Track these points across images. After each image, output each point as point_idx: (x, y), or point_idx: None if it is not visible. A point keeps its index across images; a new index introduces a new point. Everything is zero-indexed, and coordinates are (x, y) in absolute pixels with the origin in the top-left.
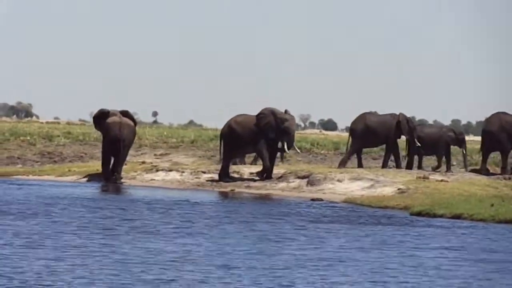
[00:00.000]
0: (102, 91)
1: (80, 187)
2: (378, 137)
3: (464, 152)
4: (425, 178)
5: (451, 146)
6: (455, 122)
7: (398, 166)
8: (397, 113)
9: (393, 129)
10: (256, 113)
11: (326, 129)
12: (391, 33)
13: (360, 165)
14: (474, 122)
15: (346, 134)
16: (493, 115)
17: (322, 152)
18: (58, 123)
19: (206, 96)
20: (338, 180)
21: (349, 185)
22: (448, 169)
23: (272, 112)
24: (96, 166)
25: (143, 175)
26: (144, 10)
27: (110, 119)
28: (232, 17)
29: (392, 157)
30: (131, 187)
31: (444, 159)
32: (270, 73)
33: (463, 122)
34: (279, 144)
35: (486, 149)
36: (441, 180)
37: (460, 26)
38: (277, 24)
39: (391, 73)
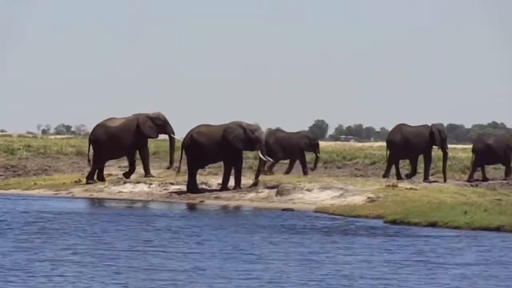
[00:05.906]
0: None
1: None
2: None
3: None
4: (394, 186)
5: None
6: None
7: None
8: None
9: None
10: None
11: None
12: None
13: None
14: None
15: None
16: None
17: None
18: (10, 135)
19: None
20: (308, 190)
21: (318, 195)
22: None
23: (240, 125)
24: (61, 179)
25: (111, 188)
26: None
27: None
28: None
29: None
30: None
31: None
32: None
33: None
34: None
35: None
36: (410, 188)
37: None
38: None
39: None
